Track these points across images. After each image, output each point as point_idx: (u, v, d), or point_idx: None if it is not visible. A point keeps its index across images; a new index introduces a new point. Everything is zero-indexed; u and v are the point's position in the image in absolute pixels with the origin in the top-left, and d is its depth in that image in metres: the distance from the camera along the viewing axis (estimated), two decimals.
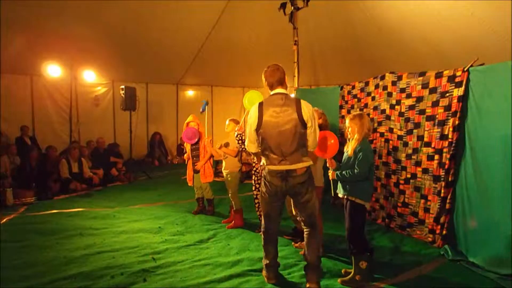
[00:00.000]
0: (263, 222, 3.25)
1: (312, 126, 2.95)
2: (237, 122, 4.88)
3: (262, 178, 3.12)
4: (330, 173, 3.33)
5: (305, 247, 3.19)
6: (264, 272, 3.27)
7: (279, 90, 3.04)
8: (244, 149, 4.62)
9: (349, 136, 3.31)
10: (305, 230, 3.18)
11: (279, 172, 2.94)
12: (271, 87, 3.07)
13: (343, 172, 3.19)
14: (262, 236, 3.25)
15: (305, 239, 3.17)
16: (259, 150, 3.08)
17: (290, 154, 2.91)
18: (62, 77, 8.87)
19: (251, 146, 3.11)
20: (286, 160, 2.92)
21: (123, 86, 8.47)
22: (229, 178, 4.86)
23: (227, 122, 4.99)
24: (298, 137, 2.91)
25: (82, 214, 5.46)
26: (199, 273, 3.38)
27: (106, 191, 7.28)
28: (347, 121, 3.30)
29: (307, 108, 2.94)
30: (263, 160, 3.05)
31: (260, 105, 2.99)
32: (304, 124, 2.91)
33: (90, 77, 9.31)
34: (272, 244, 3.22)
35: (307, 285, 3.03)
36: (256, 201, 4.51)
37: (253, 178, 4.54)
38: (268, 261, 3.21)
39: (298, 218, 3.24)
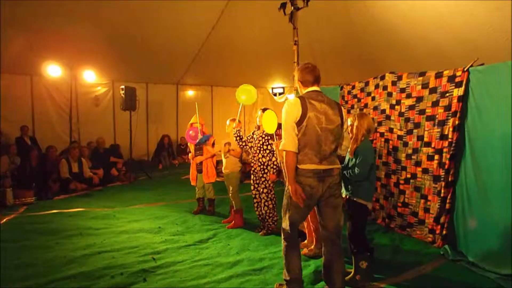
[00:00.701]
0: (283, 230, 2.90)
1: (346, 128, 2.94)
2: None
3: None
4: None
5: (325, 269, 2.91)
6: None
7: (317, 88, 2.90)
8: (242, 146, 4.61)
9: (350, 136, 3.31)
10: (325, 248, 2.88)
11: (317, 172, 2.70)
12: (310, 84, 2.88)
13: (344, 172, 3.19)
14: (286, 245, 2.88)
15: (325, 259, 2.88)
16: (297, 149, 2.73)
17: (329, 154, 2.75)
18: (62, 77, 8.85)
19: (290, 143, 2.69)
20: (326, 160, 2.73)
21: (123, 86, 8.47)
22: (229, 178, 4.87)
23: (227, 122, 4.99)
24: (338, 137, 2.82)
25: (82, 214, 5.46)
26: (199, 273, 3.38)
27: (106, 191, 7.28)
28: (349, 121, 3.31)
29: (344, 112, 2.89)
30: (298, 159, 2.72)
31: (302, 98, 2.76)
32: (342, 125, 2.84)
33: (90, 77, 9.30)
34: (297, 255, 2.91)
35: None
36: (255, 200, 4.51)
37: (252, 178, 4.54)
38: (293, 276, 2.85)
39: (320, 234, 2.97)
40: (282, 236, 2.92)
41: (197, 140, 5.23)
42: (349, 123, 3.34)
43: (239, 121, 4.76)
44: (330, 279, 2.87)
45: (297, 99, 2.77)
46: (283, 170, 3.38)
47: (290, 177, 2.72)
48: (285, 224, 2.87)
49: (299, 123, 2.69)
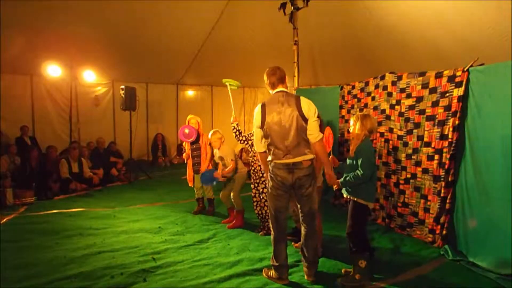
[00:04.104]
0: (271, 221, 3.28)
1: (313, 118, 3.09)
2: (219, 132, 4.95)
3: (269, 173, 3.19)
4: (334, 186, 3.42)
5: (302, 244, 3.27)
6: (272, 273, 3.24)
7: (280, 88, 3.20)
8: (242, 142, 4.59)
9: (351, 136, 3.32)
10: (303, 227, 3.26)
11: (286, 165, 3.07)
12: (273, 86, 3.21)
13: (347, 178, 3.19)
14: (272, 235, 3.27)
15: (302, 236, 3.26)
16: (266, 150, 3.22)
17: (293, 148, 3.05)
18: (62, 77, 8.86)
19: (258, 145, 3.24)
20: (290, 154, 3.06)
21: (123, 86, 8.47)
22: (238, 177, 4.85)
23: (210, 135, 4.99)
24: (300, 131, 3.06)
25: (82, 214, 5.46)
26: (199, 273, 3.38)
27: (106, 191, 7.28)
28: (351, 120, 3.34)
29: (306, 103, 3.11)
30: (269, 156, 3.16)
31: (263, 105, 3.16)
32: (305, 119, 3.06)
33: (90, 77, 9.30)
34: (283, 243, 3.26)
35: (306, 278, 3.24)
36: (255, 199, 4.51)
37: (252, 178, 4.53)
38: (280, 262, 3.21)
39: (299, 215, 3.29)
40: (270, 227, 3.30)
41: (205, 179, 5.00)
42: (351, 123, 3.34)
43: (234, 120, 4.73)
44: (304, 253, 3.26)
45: (259, 107, 3.17)
46: None
47: (265, 170, 3.31)
48: (271, 214, 3.26)
49: (262, 127, 3.14)
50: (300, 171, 3.07)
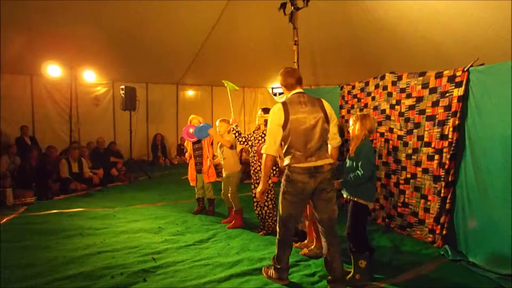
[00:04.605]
0: (278, 225, 3.13)
1: (334, 121, 3.04)
2: (228, 121, 4.87)
3: (285, 178, 2.99)
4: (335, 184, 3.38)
5: (325, 258, 3.09)
6: (272, 273, 3.21)
7: (299, 89, 3.07)
8: (241, 143, 4.59)
9: (350, 136, 3.32)
10: (324, 240, 3.06)
11: (307, 169, 2.88)
12: (291, 87, 3.07)
13: (348, 178, 3.19)
14: (279, 240, 3.15)
15: (326, 250, 3.06)
16: (278, 154, 3.01)
17: (316, 150, 2.90)
18: (62, 77, 8.85)
19: (272, 147, 2.94)
20: (312, 157, 2.89)
21: (123, 86, 8.47)
22: (229, 179, 4.86)
23: (217, 123, 4.96)
24: (323, 133, 2.95)
25: (82, 214, 5.46)
26: (199, 273, 3.38)
27: (106, 191, 7.29)
28: (351, 120, 3.34)
29: (328, 105, 3.03)
30: (286, 160, 2.96)
31: (285, 103, 2.96)
32: (328, 121, 2.97)
33: (90, 77, 9.30)
34: (288, 248, 3.18)
35: None
36: (255, 199, 4.51)
37: (252, 178, 4.53)
38: (282, 265, 3.15)
39: (318, 224, 3.12)
40: (277, 230, 3.15)
41: (198, 130, 4.96)
42: (350, 123, 3.35)
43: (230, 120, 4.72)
44: (330, 268, 3.05)
45: (280, 105, 2.96)
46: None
47: (265, 178, 3.04)
48: (280, 218, 3.08)
49: (284, 127, 2.90)
50: (321, 175, 2.90)
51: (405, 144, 4.46)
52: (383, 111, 4.81)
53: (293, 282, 3.23)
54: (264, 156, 2.98)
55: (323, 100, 3.05)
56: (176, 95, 11.67)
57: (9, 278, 3.26)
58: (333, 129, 3.04)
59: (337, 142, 3.12)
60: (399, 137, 4.55)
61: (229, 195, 4.84)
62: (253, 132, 4.61)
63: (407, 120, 4.43)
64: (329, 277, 3.10)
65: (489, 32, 5.50)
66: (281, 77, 3.11)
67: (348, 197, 3.31)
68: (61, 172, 7.10)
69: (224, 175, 4.97)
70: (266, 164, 2.99)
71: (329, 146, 3.08)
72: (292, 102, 2.97)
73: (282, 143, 2.97)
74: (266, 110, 4.44)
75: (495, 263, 3.32)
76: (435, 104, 4.05)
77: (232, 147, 4.82)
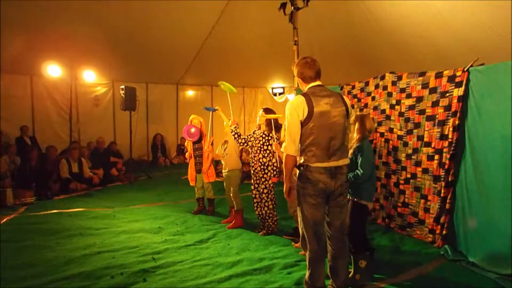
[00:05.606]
0: (308, 239, 2.70)
1: (352, 118, 2.87)
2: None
3: (301, 179, 2.69)
4: None
5: (330, 265, 2.81)
6: None
7: (319, 82, 2.78)
8: (241, 144, 4.59)
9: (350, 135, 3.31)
10: (330, 245, 2.77)
11: (328, 169, 2.61)
12: (310, 80, 2.76)
13: (347, 178, 3.19)
14: (309, 255, 2.71)
15: (330, 256, 2.78)
16: (297, 154, 2.68)
17: (337, 149, 2.64)
18: (62, 77, 8.86)
19: (291, 147, 2.64)
20: (335, 156, 2.63)
21: (123, 86, 8.47)
22: (230, 177, 4.85)
23: (225, 123, 4.99)
24: (346, 130, 2.72)
25: (82, 214, 5.46)
26: (199, 273, 3.38)
27: (106, 191, 7.29)
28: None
29: (347, 99, 2.79)
30: (304, 158, 2.66)
31: (306, 95, 2.65)
32: (348, 116, 2.75)
33: (90, 77, 9.30)
34: (323, 264, 2.72)
35: None
36: (255, 200, 4.51)
37: (252, 178, 4.53)
38: (319, 285, 2.71)
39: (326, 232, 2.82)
40: (305, 246, 2.75)
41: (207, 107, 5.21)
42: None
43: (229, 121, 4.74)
44: (335, 274, 2.80)
45: (301, 97, 2.64)
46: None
47: (287, 178, 2.77)
48: (306, 227, 2.69)
49: (306, 122, 2.59)
50: (341, 177, 2.66)
51: (405, 144, 4.46)
52: (383, 111, 4.81)
53: (293, 282, 3.22)
54: (284, 155, 2.70)
55: (342, 95, 2.83)
56: (176, 95, 11.68)
57: (9, 278, 3.26)
58: (351, 127, 2.83)
59: (351, 143, 2.95)
60: (399, 137, 4.55)
61: (230, 194, 4.84)
62: (253, 133, 4.62)
63: (407, 120, 4.43)
64: (330, 282, 2.85)
65: (489, 32, 5.50)
66: (298, 68, 2.80)
67: (348, 197, 3.30)
68: (61, 172, 7.10)
69: (224, 174, 4.97)
70: (287, 166, 2.71)
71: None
72: (314, 94, 2.65)
73: (302, 140, 2.65)
74: (267, 110, 4.44)
75: (495, 263, 3.32)
76: (435, 104, 4.05)
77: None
